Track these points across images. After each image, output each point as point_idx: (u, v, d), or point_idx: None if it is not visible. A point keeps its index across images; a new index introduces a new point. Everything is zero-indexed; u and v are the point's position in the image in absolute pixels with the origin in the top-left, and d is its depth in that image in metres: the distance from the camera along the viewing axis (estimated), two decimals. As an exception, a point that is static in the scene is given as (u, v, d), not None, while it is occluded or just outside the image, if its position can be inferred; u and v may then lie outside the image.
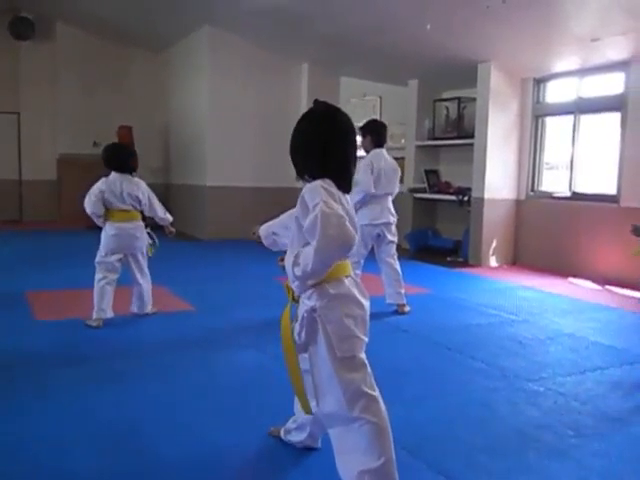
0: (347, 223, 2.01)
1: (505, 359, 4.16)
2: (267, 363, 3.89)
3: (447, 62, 8.21)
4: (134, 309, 5.07)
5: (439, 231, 9.62)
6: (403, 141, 9.55)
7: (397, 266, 5.47)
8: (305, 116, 2.31)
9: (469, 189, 8.38)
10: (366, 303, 2.26)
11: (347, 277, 2.24)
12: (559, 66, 7.77)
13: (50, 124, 12.05)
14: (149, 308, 5.10)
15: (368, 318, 2.28)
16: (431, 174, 9.37)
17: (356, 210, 5.00)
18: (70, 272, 6.91)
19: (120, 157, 5.09)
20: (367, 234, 5.28)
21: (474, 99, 8.36)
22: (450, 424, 3.09)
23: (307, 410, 2.35)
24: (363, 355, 2.26)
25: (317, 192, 2.06)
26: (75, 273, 6.86)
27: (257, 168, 10.11)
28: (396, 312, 5.39)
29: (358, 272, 5.40)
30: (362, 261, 5.45)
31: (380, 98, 10.28)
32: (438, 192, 9.12)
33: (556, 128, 8.22)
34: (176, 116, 11.70)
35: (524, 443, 2.90)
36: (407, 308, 5.43)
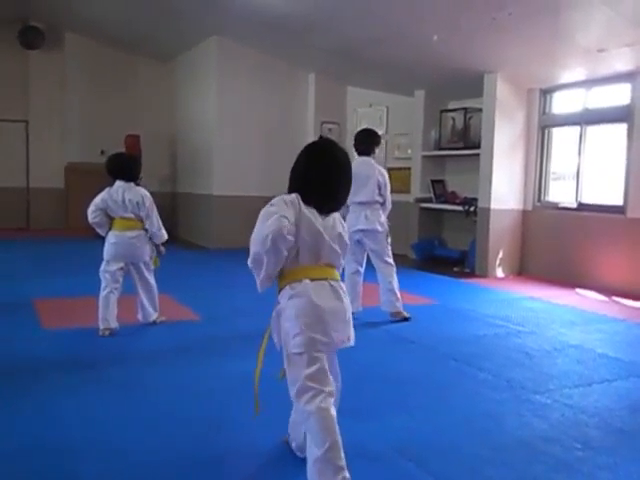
0: (273, 219, 2.31)
1: (512, 370, 4.15)
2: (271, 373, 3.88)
3: (453, 73, 8.23)
4: (139, 318, 5.09)
5: (445, 241, 9.61)
6: (409, 151, 9.56)
7: (389, 279, 5.42)
8: (304, 148, 2.66)
9: (475, 199, 8.38)
10: (328, 305, 2.43)
11: (313, 280, 2.44)
12: (565, 77, 7.78)
13: (58, 132, 12.12)
14: (155, 317, 5.11)
15: (335, 318, 2.45)
16: (437, 184, 9.37)
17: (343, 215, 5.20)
18: (77, 280, 6.93)
19: (122, 166, 5.09)
20: (350, 240, 5.30)
21: (480, 109, 8.36)
22: (456, 435, 3.08)
23: (255, 404, 2.63)
24: (318, 353, 2.40)
25: (275, 200, 2.45)
26: (82, 281, 6.88)
27: (263, 177, 10.11)
28: (390, 319, 5.44)
29: (358, 279, 5.45)
30: (355, 266, 5.46)
31: (387, 108, 10.30)
32: (444, 202, 9.12)
33: (562, 139, 8.22)
34: (183, 125, 11.75)
35: (531, 455, 2.89)
36: (403, 314, 5.46)
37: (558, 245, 7.86)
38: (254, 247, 2.37)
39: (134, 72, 12.34)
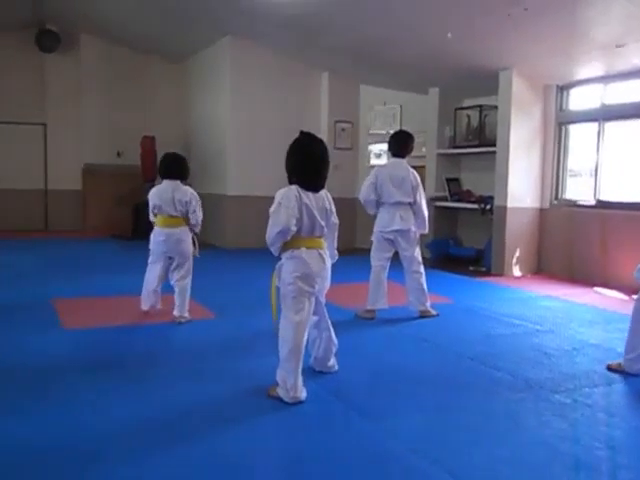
0: (282, 214, 3.36)
1: (530, 370, 4.11)
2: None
3: (468, 70, 8.17)
4: (175, 313, 5.19)
5: (461, 240, 9.56)
6: (424, 149, 9.51)
7: (420, 279, 5.54)
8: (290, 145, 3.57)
9: (491, 197, 8.32)
10: (317, 266, 3.47)
11: (308, 248, 3.46)
12: (583, 73, 7.70)
13: (75, 135, 12.21)
14: (183, 312, 5.20)
15: (318, 276, 3.48)
16: (452, 182, 9.32)
17: (374, 214, 5.60)
18: (96, 280, 7.00)
19: (169, 165, 5.35)
20: (381, 239, 5.52)
21: (496, 107, 8.30)
22: (473, 435, 3.06)
23: (274, 317, 3.59)
24: (303, 298, 3.46)
25: (279, 194, 3.47)
26: (101, 281, 6.97)
27: (277, 177, 9.90)
28: (420, 317, 5.55)
29: (384, 276, 5.52)
30: (384, 263, 5.54)
31: (401, 106, 10.25)
32: (459, 200, 9.06)
33: (580, 135, 8.13)
34: (198, 125, 11.78)
35: (550, 455, 2.85)
36: (432, 312, 5.57)
37: (576, 243, 7.78)
38: (269, 235, 3.43)
39: (149, 73, 12.41)
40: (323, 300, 3.71)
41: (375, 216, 5.62)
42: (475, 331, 5.18)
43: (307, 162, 3.50)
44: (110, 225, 11.72)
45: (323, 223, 3.51)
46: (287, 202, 3.39)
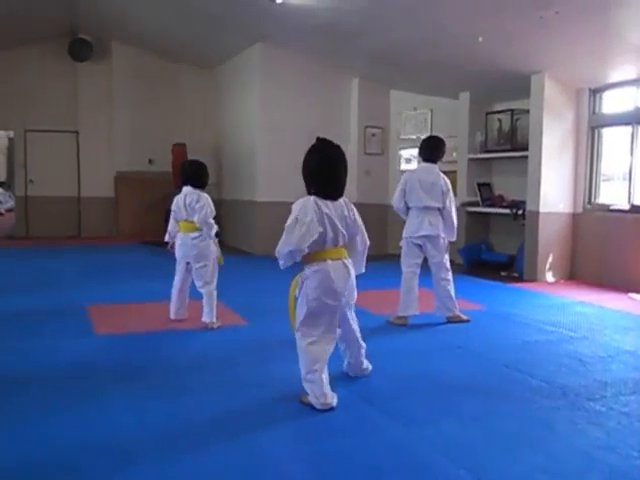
0: (297, 232, 3.24)
1: (565, 377, 4.05)
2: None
3: (499, 74, 8.11)
4: (205, 319, 5.23)
5: (493, 245, 9.47)
6: (455, 154, 9.46)
7: (447, 286, 5.50)
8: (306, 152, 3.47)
9: (523, 202, 8.24)
10: (343, 279, 3.38)
11: (333, 260, 3.37)
12: (616, 76, 7.59)
13: (107, 142, 12.42)
14: (208, 320, 5.20)
15: (344, 289, 3.40)
16: (484, 187, 9.24)
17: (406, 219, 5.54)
18: (128, 286, 7.09)
19: (186, 172, 5.41)
20: (410, 245, 5.50)
21: (527, 111, 8.22)
22: (509, 443, 3.03)
23: (293, 327, 3.48)
24: (325, 314, 3.39)
25: (297, 206, 3.35)
26: (133, 287, 7.05)
27: (307, 183, 10.14)
28: (447, 322, 5.53)
29: (415, 282, 5.49)
30: (414, 269, 5.51)
31: (431, 111, 10.21)
32: (491, 205, 8.99)
33: (613, 139, 8.02)
34: (227, 132, 11.88)
35: (586, 464, 2.81)
36: (462, 317, 5.55)
37: (610, 248, 7.66)
38: (280, 251, 3.35)
39: (179, 81, 12.56)
40: (350, 312, 3.65)
41: None
42: (509, 338, 5.13)
43: (323, 169, 3.39)
44: (142, 231, 11.86)
45: (344, 231, 3.42)
46: (304, 216, 3.26)
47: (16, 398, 3.53)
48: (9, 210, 17.34)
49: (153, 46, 11.86)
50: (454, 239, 5.62)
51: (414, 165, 10.29)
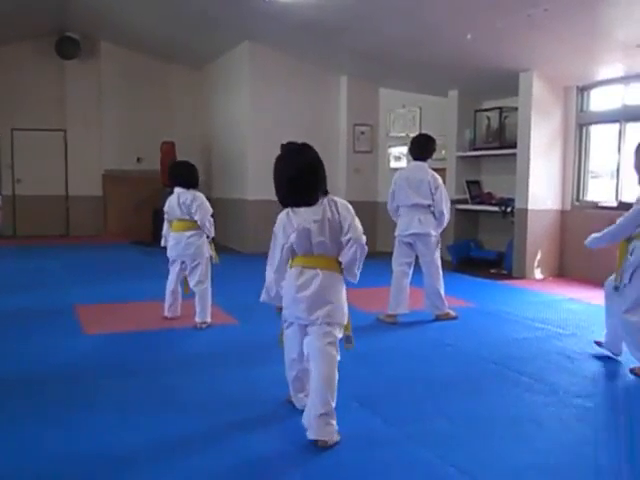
0: (277, 252, 3.10)
1: (553, 374, 4.08)
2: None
3: (488, 72, 8.14)
4: (197, 319, 5.22)
5: (481, 243, 9.50)
6: (444, 152, 9.47)
7: (436, 284, 5.51)
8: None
9: (512, 200, 8.27)
10: (308, 289, 2.97)
11: (306, 267, 3.03)
12: (603, 73, 7.63)
13: (96, 141, 12.36)
14: (203, 318, 5.21)
15: (305, 299, 2.98)
16: (473, 185, 9.27)
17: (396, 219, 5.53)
18: (117, 286, 7.06)
19: (179, 173, 5.41)
20: (400, 244, 5.52)
21: (516, 109, 8.25)
22: (498, 439, 3.04)
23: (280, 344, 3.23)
24: (290, 324, 3.11)
25: (277, 223, 3.11)
26: (122, 287, 7.02)
27: (297, 181, 10.13)
28: (436, 319, 5.56)
29: (406, 282, 5.49)
30: (405, 268, 5.50)
31: (420, 109, 10.23)
32: (480, 203, 9.01)
33: (601, 136, 8.06)
34: (217, 131, 11.85)
35: (574, 460, 2.83)
36: (451, 314, 5.58)
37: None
38: (267, 274, 3.21)
39: (168, 79, 12.51)
40: (322, 336, 2.99)
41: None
42: (498, 335, 5.15)
43: (279, 177, 3.07)
44: (130, 231, 11.81)
45: (323, 238, 2.98)
46: (280, 233, 3.07)
47: (1, 401, 3.51)
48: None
49: (141, 44, 11.80)
50: (440, 229, 5.53)
51: (403, 163, 10.28)
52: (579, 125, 8.13)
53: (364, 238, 3.09)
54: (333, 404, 2.92)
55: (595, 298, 6.68)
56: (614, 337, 4.33)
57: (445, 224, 5.52)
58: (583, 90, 8.08)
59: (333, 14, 7.80)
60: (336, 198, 3.10)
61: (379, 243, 10.23)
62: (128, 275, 7.94)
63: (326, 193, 3.07)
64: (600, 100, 7.98)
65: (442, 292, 5.55)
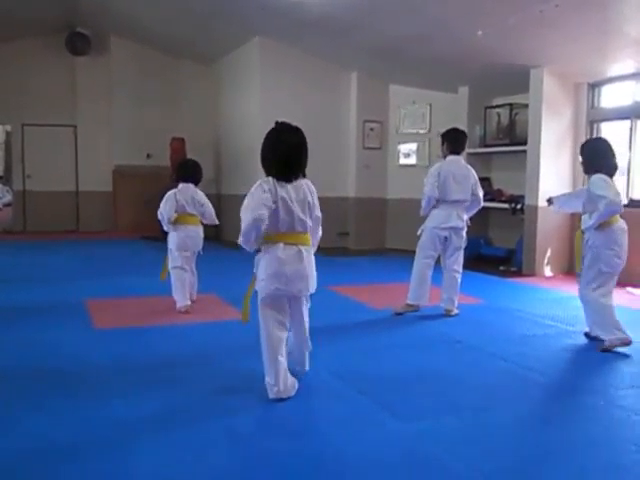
0: (252, 202, 3.26)
1: (563, 371, 4.08)
2: (322, 373, 3.90)
3: (498, 68, 8.11)
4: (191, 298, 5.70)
5: (491, 240, 9.48)
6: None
7: (459, 279, 5.65)
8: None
9: (522, 197, 8.24)
10: (293, 265, 3.30)
11: (287, 244, 3.31)
12: (614, 70, 7.59)
13: (106, 136, 12.40)
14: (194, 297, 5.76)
15: (292, 273, 3.30)
16: (483, 182, 9.18)
17: (426, 214, 5.55)
18: (127, 280, 7.10)
19: (188, 170, 5.89)
20: (434, 236, 5.57)
21: (526, 105, 8.22)
22: (507, 436, 3.04)
23: (244, 318, 3.57)
24: (276, 297, 3.36)
25: (254, 185, 3.36)
26: (132, 281, 7.06)
27: (307, 177, 10.13)
28: (444, 315, 5.60)
29: (429, 274, 5.61)
30: (430, 261, 5.61)
31: (430, 105, 10.20)
32: (490, 200, 8.96)
33: (612, 133, 8.01)
34: (227, 127, 11.86)
35: (582, 457, 2.82)
36: (455, 311, 5.64)
37: (608, 242, 7.64)
38: (242, 229, 3.28)
39: (178, 75, 12.52)
40: (303, 303, 3.53)
41: (425, 217, 5.66)
42: (507, 332, 5.14)
43: (276, 148, 3.39)
44: (140, 226, 11.84)
45: (304, 216, 3.35)
46: (260, 192, 3.28)
47: (11, 393, 3.54)
48: (7, 205, 17.31)
49: (152, 40, 11.82)
50: (470, 215, 5.77)
51: (413, 160, 10.32)
52: (590, 122, 8.09)
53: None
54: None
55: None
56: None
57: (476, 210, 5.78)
58: (594, 87, 8.04)
59: (343, 10, 7.80)
60: (307, 180, 3.50)
61: (388, 240, 10.23)
62: (137, 270, 7.96)
63: (304, 175, 3.48)
64: (611, 97, 7.95)
65: (459, 287, 5.69)
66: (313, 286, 3.47)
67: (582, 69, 7.75)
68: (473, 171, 5.65)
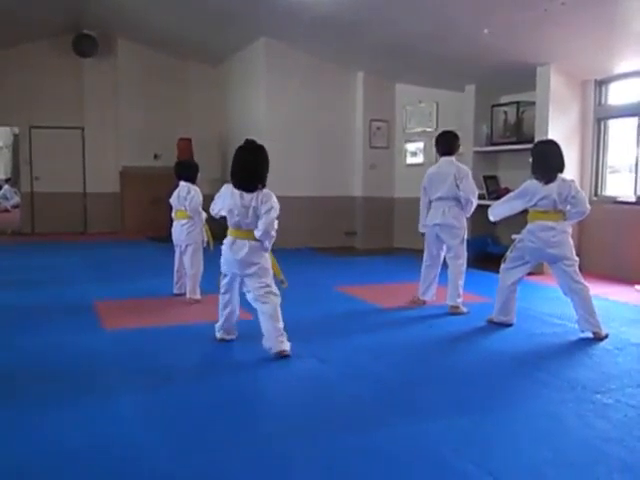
0: (216, 200, 4.43)
1: (572, 370, 4.06)
2: (328, 373, 3.90)
3: (505, 66, 8.08)
4: (180, 289, 6.12)
5: (499, 238, 9.45)
6: (461, 147, 9.41)
7: (457, 275, 5.73)
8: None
9: (529, 195, 8.20)
10: (238, 254, 4.21)
11: (238, 238, 4.24)
12: (622, 67, 7.55)
13: (113, 138, 12.44)
14: (194, 295, 5.91)
15: (235, 259, 4.23)
16: (490, 180, 9.21)
17: (424, 215, 5.84)
18: (135, 281, 7.12)
19: (179, 170, 6.32)
20: (429, 234, 5.82)
21: (533, 103, 8.19)
22: (516, 436, 3.03)
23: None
24: (228, 280, 4.40)
25: (223, 189, 4.41)
26: (140, 282, 7.08)
27: (313, 177, 10.14)
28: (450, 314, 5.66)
29: (435, 271, 5.85)
30: (429, 260, 5.84)
31: (436, 104, 10.18)
32: (497, 198, 8.92)
33: (619, 131, 7.98)
34: (233, 127, 11.87)
35: (592, 457, 2.81)
36: (463, 310, 5.70)
37: (616, 240, 7.63)
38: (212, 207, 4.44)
39: (185, 76, 12.55)
40: (251, 282, 4.25)
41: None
42: (516, 330, 5.13)
43: (236, 167, 4.30)
44: (147, 227, 11.87)
45: (248, 221, 4.20)
46: (224, 193, 4.32)
47: (20, 395, 3.55)
48: (15, 207, 17.40)
49: (158, 42, 11.84)
50: (467, 215, 5.89)
51: (420, 159, 10.33)
52: (597, 119, 8.06)
53: (274, 223, 4.30)
54: (280, 325, 4.20)
55: (614, 294, 6.65)
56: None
57: (471, 211, 5.84)
58: (601, 84, 8.00)
59: (349, 10, 7.79)
60: (265, 190, 4.30)
61: (396, 240, 10.22)
62: (145, 271, 7.99)
63: (263, 186, 4.28)
64: (619, 94, 7.90)
65: (461, 285, 5.71)
66: (262, 271, 4.32)
67: (589, 66, 7.71)
68: (463, 169, 5.74)
